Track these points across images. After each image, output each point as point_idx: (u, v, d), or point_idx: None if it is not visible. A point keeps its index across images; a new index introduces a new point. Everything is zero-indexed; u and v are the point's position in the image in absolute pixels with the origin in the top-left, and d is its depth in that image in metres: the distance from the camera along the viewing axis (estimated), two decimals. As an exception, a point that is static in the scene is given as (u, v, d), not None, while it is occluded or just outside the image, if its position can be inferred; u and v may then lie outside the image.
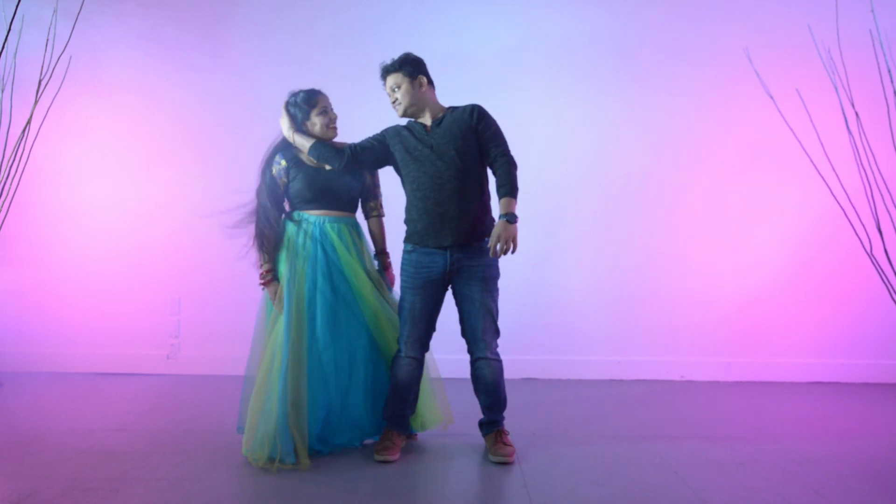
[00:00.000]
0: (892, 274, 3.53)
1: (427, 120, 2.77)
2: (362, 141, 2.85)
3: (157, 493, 2.37)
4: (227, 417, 3.29)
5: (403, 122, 2.86)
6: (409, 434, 2.86)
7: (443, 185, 2.66)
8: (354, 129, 4.13)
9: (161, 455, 2.74)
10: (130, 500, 2.32)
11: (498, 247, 2.52)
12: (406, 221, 2.79)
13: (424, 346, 2.75)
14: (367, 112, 4.12)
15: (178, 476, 2.53)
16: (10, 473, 2.54)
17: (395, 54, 2.61)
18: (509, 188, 2.63)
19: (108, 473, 2.54)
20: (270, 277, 2.75)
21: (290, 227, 2.79)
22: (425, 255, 2.70)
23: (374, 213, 2.98)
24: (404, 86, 2.74)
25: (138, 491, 2.39)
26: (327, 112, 2.83)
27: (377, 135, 2.86)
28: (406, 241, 2.77)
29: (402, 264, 2.76)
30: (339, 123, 4.58)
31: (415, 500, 2.41)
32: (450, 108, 2.80)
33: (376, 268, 2.93)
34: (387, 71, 2.79)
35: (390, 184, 3.75)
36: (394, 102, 2.78)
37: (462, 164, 2.67)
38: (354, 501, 2.35)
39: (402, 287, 2.75)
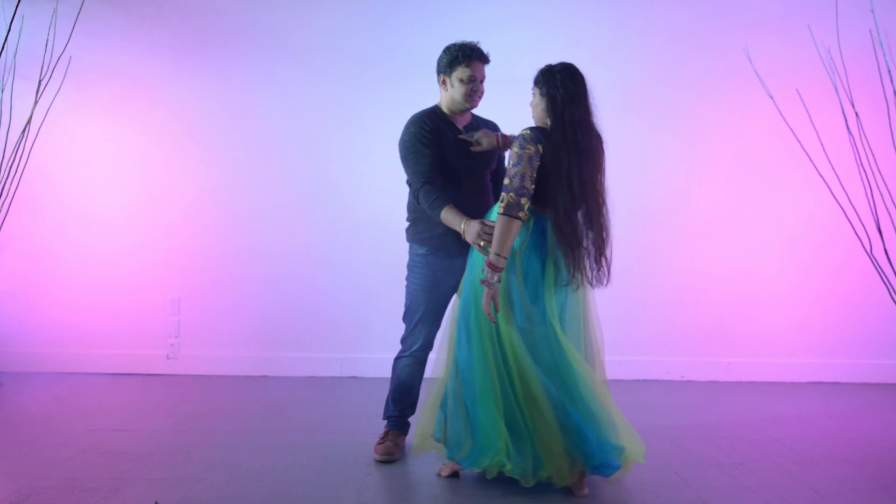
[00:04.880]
0: (892, 274, 3.53)
1: (458, 121, 2.73)
2: (430, 167, 2.62)
3: (157, 493, 2.37)
4: (228, 417, 3.30)
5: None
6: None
7: (474, 190, 2.68)
8: (354, 129, 4.15)
9: (161, 455, 2.74)
10: (130, 500, 2.32)
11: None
12: (416, 222, 2.73)
13: (431, 346, 2.76)
14: (368, 111, 4.14)
15: (178, 476, 2.53)
16: (10, 473, 2.55)
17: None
18: None
19: (108, 473, 2.54)
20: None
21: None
22: (444, 258, 2.68)
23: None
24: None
25: (138, 491, 2.39)
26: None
27: (427, 146, 2.62)
28: (419, 244, 2.71)
29: (416, 266, 2.73)
30: (338, 123, 4.56)
31: (416, 500, 2.41)
32: (471, 113, 2.79)
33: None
34: (483, 61, 2.64)
35: (387, 181, 3.76)
36: (473, 93, 2.64)
37: (487, 172, 2.75)
38: (351, 500, 2.35)
39: (415, 290, 2.72)
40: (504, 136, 2.69)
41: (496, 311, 2.34)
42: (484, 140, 2.65)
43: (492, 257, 2.32)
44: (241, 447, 2.84)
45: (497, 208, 2.40)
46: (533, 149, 2.33)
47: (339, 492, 2.42)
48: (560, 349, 2.38)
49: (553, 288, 2.43)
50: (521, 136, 2.36)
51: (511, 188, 2.31)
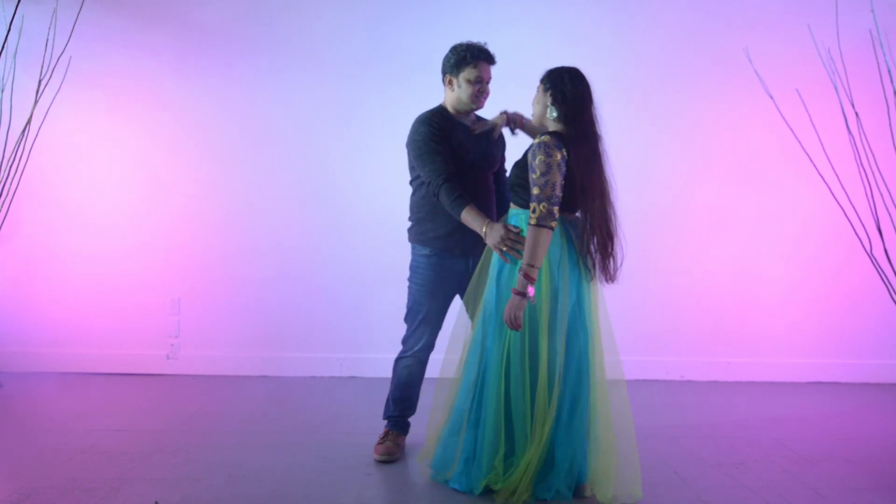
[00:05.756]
0: (892, 274, 3.54)
1: (466, 120, 2.72)
2: (446, 164, 2.59)
3: (157, 493, 2.37)
4: (228, 417, 3.30)
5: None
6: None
7: (478, 190, 2.67)
8: (354, 129, 4.15)
9: (161, 455, 2.74)
10: (130, 500, 2.32)
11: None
12: (420, 222, 2.72)
13: (432, 347, 2.76)
14: (368, 111, 4.14)
15: (178, 476, 2.53)
16: (10, 473, 2.55)
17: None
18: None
19: (108, 473, 2.54)
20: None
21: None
22: (447, 259, 2.67)
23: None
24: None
25: (138, 491, 2.39)
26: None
27: (439, 144, 2.61)
28: (423, 244, 2.69)
29: (418, 267, 2.71)
30: (338, 123, 4.55)
31: (416, 500, 2.42)
32: (475, 114, 2.78)
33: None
34: (491, 62, 2.64)
35: (388, 181, 3.76)
36: (480, 94, 2.64)
37: (490, 173, 2.75)
38: (351, 501, 2.35)
39: (418, 290, 2.71)
40: (506, 114, 2.71)
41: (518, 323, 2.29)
42: (497, 122, 2.68)
43: (525, 268, 2.26)
44: (241, 447, 2.84)
45: (511, 212, 2.43)
46: (559, 155, 2.28)
47: (339, 492, 2.43)
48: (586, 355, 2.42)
49: (591, 288, 2.47)
50: (543, 143, 2.28)
51: (543, 198, 2.25)
